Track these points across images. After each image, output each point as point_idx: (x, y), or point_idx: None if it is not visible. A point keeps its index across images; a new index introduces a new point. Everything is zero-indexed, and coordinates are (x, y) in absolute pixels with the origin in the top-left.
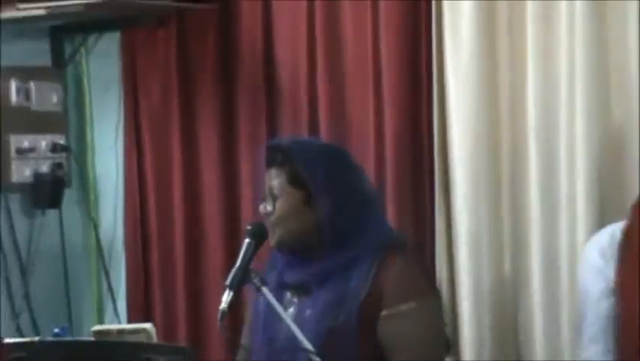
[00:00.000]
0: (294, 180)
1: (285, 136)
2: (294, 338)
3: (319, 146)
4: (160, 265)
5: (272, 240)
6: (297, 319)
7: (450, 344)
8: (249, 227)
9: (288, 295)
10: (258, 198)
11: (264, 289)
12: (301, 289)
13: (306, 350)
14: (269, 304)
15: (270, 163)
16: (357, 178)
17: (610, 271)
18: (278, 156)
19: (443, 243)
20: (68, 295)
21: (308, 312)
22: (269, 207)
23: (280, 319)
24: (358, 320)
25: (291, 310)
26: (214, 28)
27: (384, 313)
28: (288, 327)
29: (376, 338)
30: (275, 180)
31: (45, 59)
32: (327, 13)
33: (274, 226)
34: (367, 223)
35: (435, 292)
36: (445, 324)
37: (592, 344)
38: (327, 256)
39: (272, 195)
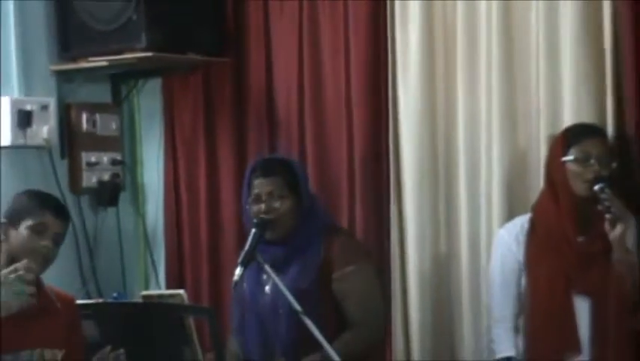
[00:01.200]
0: (291, 186)
1: (272, 154)
2: (273, 304)
3: (299, 162)
4: (190, 247)
5: (269, 234)
6: (275, 290)
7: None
8: (254, 221)
9: (265, 275)
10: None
11: (266, 266)
12: (273, 267)
13: (296, 312)
14: (253, 281)
15: (267, 172)
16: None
17: (520, 253)
18: (276, 166)
19: (396, 229)
20: (123, 269)
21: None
22: (276, 205)
23: (262, 290)
24: (318, 281)
25: (268, 286)
26: (230, 76)
27: (334, 275)
28: (268, 295)
29: (333, 296)
30: (273, 185)
31: (107, 98)
32: (313, 65)
33: (278, 221)
34: (317, 215)
35: (369, 258)
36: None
37: (497, 305)
38: (289, 240)
39: (274, 197)
